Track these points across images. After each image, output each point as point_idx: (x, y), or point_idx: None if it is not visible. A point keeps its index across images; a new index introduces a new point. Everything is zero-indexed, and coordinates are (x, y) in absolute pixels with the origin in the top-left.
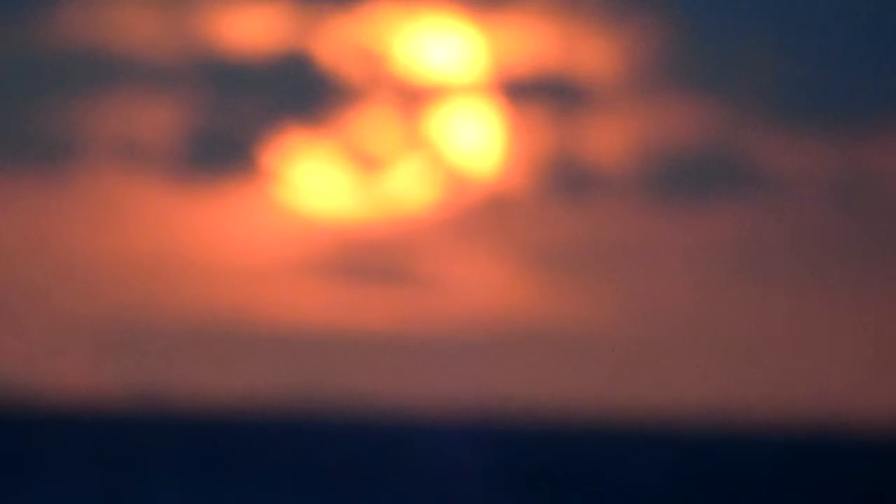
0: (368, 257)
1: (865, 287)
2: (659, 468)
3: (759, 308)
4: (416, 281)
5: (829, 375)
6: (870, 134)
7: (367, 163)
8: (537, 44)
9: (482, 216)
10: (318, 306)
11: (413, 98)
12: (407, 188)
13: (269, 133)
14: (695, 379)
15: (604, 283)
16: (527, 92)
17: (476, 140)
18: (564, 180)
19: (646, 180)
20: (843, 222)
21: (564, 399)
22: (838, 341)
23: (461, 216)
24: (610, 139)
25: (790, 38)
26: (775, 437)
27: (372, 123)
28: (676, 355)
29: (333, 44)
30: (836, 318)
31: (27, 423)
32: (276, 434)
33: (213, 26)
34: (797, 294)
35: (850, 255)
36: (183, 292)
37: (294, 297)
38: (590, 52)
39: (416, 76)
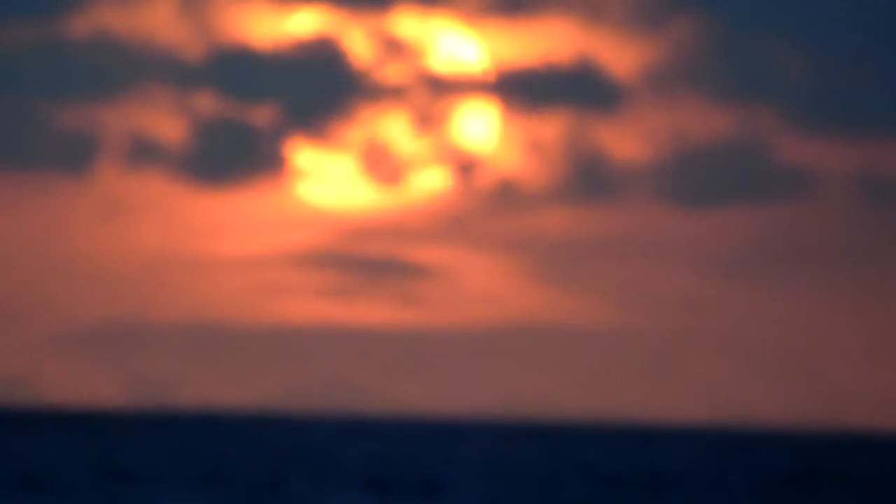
0: (380, 257)
1: (883, 288)
2: (660, 466)
3: (774, 309)
4: (424, 280)
5: (842, 376)
6: (889, 136)
7: (381, 162)
8: (555, 45)
9: (494, 216)
10: (327, 306)
11: (430, 98)
12: (420, 188)
13: (284, 132)
14: (702, 378)
15: (614, 283)
16: (542, 92)
17: (491, 140)
18: (579, 180)
19: (661, 181)
20: (862, 224)
21: (568, 398)
22: (854, 341)
23: (472, 215)
24: (626, 140)
25: (816, 42)
26: (785, 438)
27: (387, 123)
28: (682, 355)
29: (351, 43)
30: (852, 318)
31: (27, 422)
32: (278, 433)
33: (233, 24)
34: (809, 295)
35: (867, 256)
36: (191, 291)
37: (303, 295)
38: (609, 54)
39: (433, 77)
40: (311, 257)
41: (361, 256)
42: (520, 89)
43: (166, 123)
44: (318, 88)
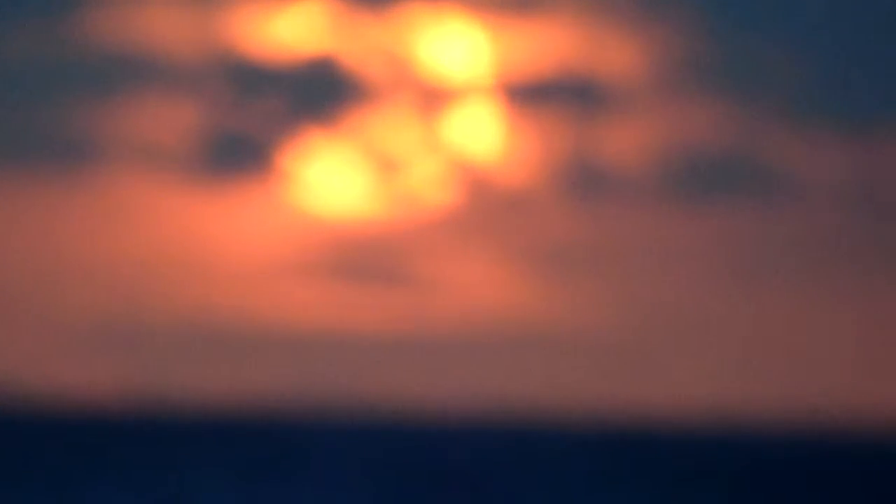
0: (381, 259)
1: (877, 290)
2: (658, 467)
3: (771, 311)
4: (427, 283)
5: (835, 377)
6: (887, 136)
7: (382, 164)
8: (554, 46)
9: (494, 218)
10: (327, 308)
11: (429, 99)
12: (421, 189)
13: (284, 134)
14: (700, 380)
15: (614, 285)
16: (542, 93)
17: (490, 142)
18: (579, 182)
19: (659, 182)
20: (858, 225)
21: (570, 401)
22: (847, 343)
23: (474, 217)
24: (625, 141)
25: (808, 40)
26: (783, 439)
27: (387, 124)
28: (682, 357)
29: (351, 46)
30: (846, 320)
31: (28, 423)
32: (277, 435)
33: (231, 28)
34: (808, 297)
35: (863, 258)
36: (196, 294)
37: (304, 298)
38: (607, 54)
39: (432, 78)
40: (311, 259)
41: (362, 257)
42: (521, 90)
43: (167, 125)
44: (319, 91)
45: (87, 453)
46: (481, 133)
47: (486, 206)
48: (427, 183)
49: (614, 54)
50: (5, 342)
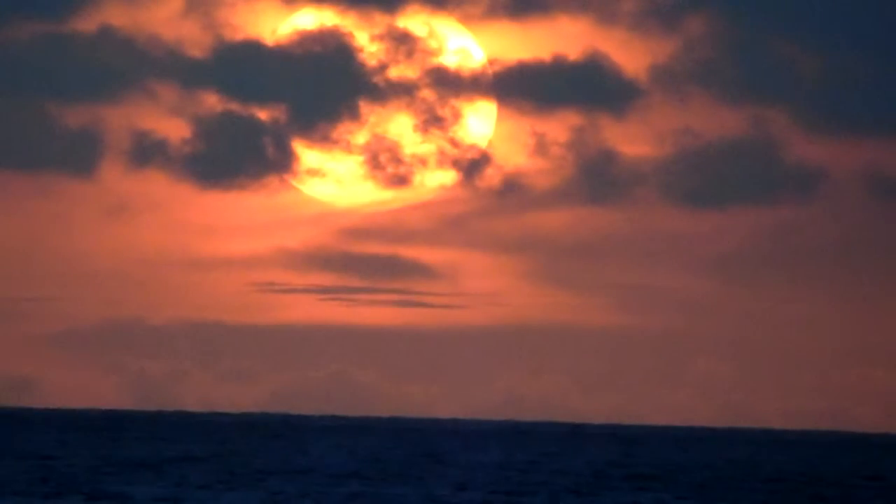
0: (384, 253)
1: (893, 287)
2: (659, 464)
3: (780, 308)
4: (429, 277)
5: (851, 376)
6: None
7: (391, 160)
8: (571, 44)
9: (498, 215)
10: (327, 303)
11: (436, 96)
12: (430, 185)
13: (289, 132)
14: (707, 379)
15: (617, 282)
16: (557, 91)
17: (502, 138)
18: (593, 179)
19: (666, 182)
20: (873, 224)
21: (569, 398)
22: (863, 340)
23: (481, 213)
24: (641, 139)
25: (824, 43)
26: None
27: (395, 120)
28: (690, 356)
29: (358, 43)
30: (861, 317)
31: (27, 422)
32: (279, 432)
33: (239, 23)
34: (820, 295)
35: (878, 256)
36: (192, 291)
37: (302, 294)
38: (624, 53)
39: (445, 75)
40: (312, 257)
41: (363, 256)
42: (529, 89)
43: (171, 122)
44: (323, 88)
45: (92, 448)
46: (489, 131)
47: (490, 204)
48: (432, 180)
49: (626, 54)
50: (6, 341)
